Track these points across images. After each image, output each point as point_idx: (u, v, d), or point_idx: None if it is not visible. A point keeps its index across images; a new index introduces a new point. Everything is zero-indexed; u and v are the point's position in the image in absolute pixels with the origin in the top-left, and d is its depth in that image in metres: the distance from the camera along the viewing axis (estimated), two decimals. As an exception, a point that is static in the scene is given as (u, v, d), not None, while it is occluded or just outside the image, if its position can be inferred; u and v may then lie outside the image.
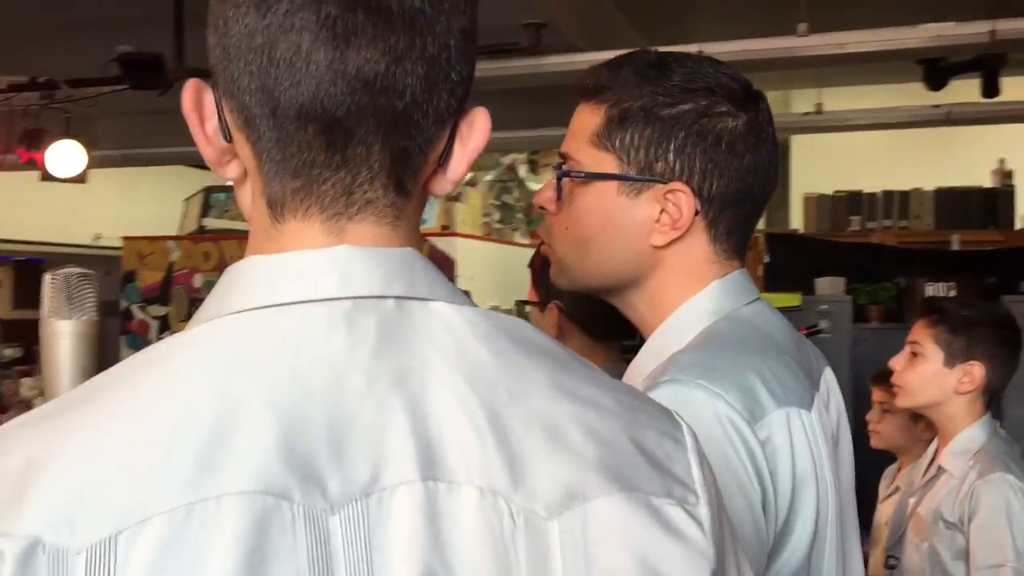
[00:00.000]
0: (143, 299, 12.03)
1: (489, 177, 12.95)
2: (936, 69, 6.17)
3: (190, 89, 0.63)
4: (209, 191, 12.31)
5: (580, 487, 0.52)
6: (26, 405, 7.82)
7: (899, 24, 4.34)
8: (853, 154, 7.19)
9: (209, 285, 12.09)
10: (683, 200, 1.04)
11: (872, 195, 6.62)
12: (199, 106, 0.63)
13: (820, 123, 6.02)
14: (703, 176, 1.04)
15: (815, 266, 6.46)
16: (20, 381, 10.53)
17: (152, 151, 7.32)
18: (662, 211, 1.05)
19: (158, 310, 12.04)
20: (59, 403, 0.56)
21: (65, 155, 5.05)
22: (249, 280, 0.58)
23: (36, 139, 5.11)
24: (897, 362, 2.25)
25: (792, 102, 7.56)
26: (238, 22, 0.58)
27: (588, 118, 1.08)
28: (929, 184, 6.50)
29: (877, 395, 2.68)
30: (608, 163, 1.07)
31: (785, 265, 6.72)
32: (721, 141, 1.04)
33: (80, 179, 5.20)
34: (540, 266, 1.95)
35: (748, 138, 1.05)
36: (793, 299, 6.46)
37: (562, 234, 1.13)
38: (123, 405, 0.53)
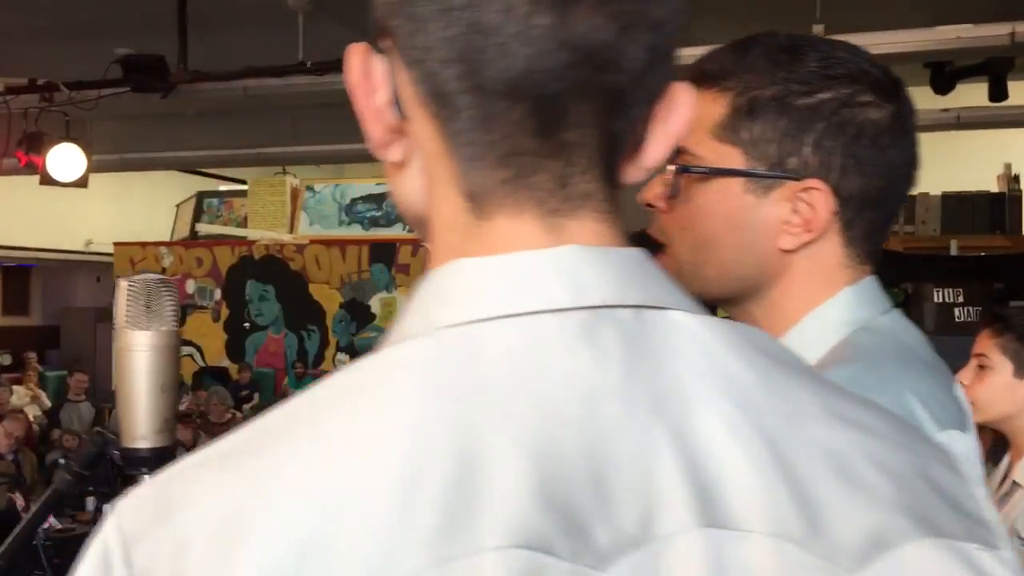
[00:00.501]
0: (135, 306, 11.99)
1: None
2: (943, 73, 6.15)
3: (358, 55, 0.54)
4: (202, 196, 12.22)
5: (883, 533, 0.44)
6: (17, 413, 7.70)
7: (916, 26, 4.30)
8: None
9: (202, 291, 12.02)
10: (819, 199, 0.95)
11: (878, 200, 6.57)
12: (368, 75, 0.54)
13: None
14: (842, 173, 0.95)
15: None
16: (11, 389, 10.42)
17: (149, 155, 7.21)
18: (793, 211, 0.96)
19: (150, 317, 11.99)
20: (245, 438, 0.47)
21: (66, 158, 4.96)
22: (462, 287, 0.49)
23: (35, 143, 5.01)
24: (964, 376, 2.15)
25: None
26: None
27: (708, 108, 0.99)
28: (935, 189, 6.47)
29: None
30: (733, 158, 0.98)
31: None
32: (864, 134, 0.95)
33: (81, 183, 5.09)
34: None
35: (893, 131, 0.96)
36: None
37: (679, 235, 1.04)
38: (335, 441, 0.44)
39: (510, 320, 0.47)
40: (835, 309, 0.97)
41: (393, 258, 10.66)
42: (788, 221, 0.95)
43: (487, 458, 0.42)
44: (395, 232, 10.71)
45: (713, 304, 1.07)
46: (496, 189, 0.51)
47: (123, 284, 0.94)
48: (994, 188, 6.51)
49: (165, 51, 4.89)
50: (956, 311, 6.16)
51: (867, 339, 0.94)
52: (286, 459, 0.44)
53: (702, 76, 0.99)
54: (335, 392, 0.47)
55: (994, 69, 6.02)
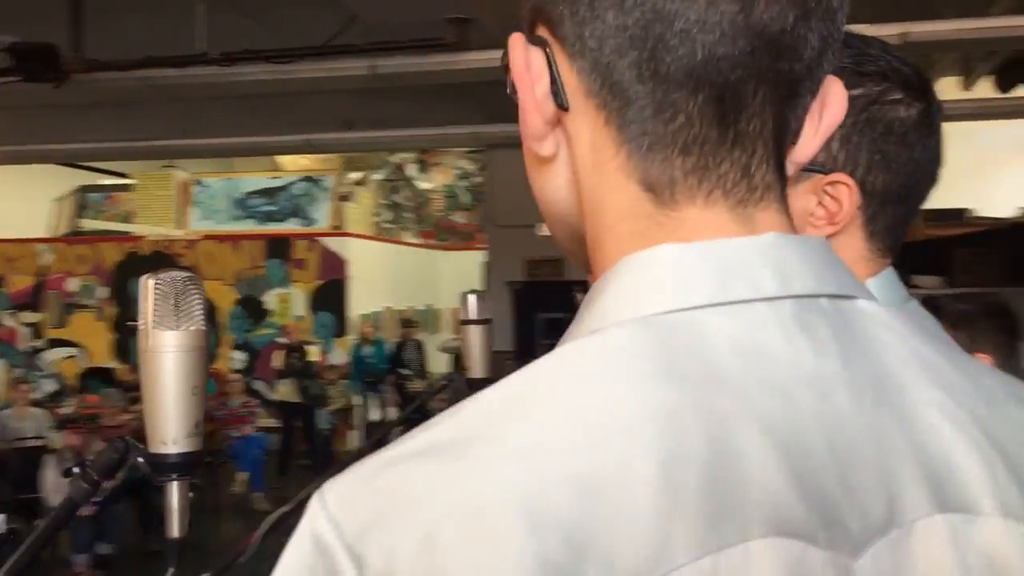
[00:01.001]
0: (12, 305, 11.36)
1: (378, 176, 12.78)
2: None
3: (519, 45, 0.53)
4: (84, 191, 11.71)
5: None
6: None
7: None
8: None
9: (86, 290, 11.53)
10: (844, 193, 0.98)
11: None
12: (528, 66, 0.53)
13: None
14: (868, 168, 0.98)
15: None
16: None
17: (34, 148, 6.86)
18: (819, 204, 0.99)
19: (29, 317, 11.40)
20: (465, 426, 0.45)
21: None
22: (668, 275, 0.49)
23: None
24: None
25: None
26: None
27: None
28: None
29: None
30: None
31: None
32: (892, 131, 0.98)
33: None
34: None
35: (920, 129, 1.00)
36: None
37: None
38: (576, 426, 0.43)
39: (724, 308, 0.47)
40: (877, 290, 1.00)
41: (288, 253, 10.45)
42: (813, 214, 0.98)
43: (739, 447, 0.43)
44: (290, 227, 10.51)
45: None
46: (681, 179, 0.51)
47: (150, 283, 0.90)
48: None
49: (60, 39, 4.67)
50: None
51: None
52: (530, 446, 0.43)
53: None
54: (554, 376, 0.46)
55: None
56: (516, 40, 0.53)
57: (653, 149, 0.51)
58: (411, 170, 11.93)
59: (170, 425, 0.90)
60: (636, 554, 0.40)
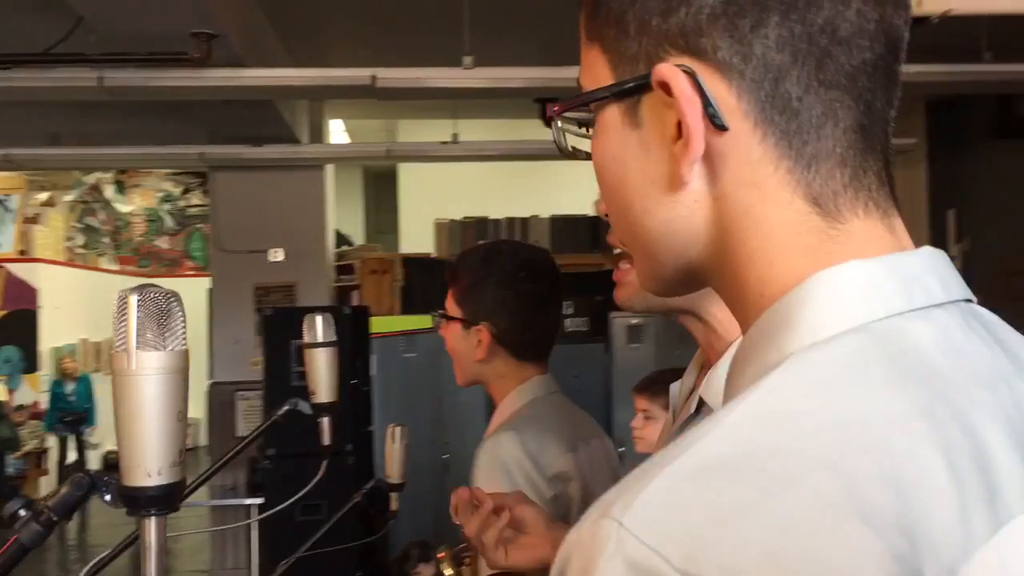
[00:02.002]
0: None
1: (69, 197, 11.73)
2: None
3: (680, 75, 0.54)
4: None
5: None
6: None
7: (558, 64, 4.74)
8: (472, 183, 7.64)
9: None
10: None
11: (497, 221, 7.10)
12: (681, 92, 0.55)
13: (456, 152, 6.34)
14: None
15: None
16: None
17: None
18: None
19: None
20: (734, 443, 0.47)
21: None
22: (865, 286, 0.52)
23: None
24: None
25: (410, 131, 7.86)
26: None
27: None
28: (545, 212, 7.13)
29: (640, 403, 2.91)
30: None
31: (420, 288, 6.98)
32: None
33: None
34: (469, 283, 1.85)
35: None
36: (431, 320, 6.74)
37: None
38: (861, 426, 0.46)
39: (917, 314, 0.52)
40: None
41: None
42: None
43: (983, 436, 0.48)
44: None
45: (669, 313, 1.16)
46: (841, 191, 0.54)
47: (132, 299, 0.81)
48: (591, 212, 7.32)
49: None
50: (568, 322, 6.86)
51: None
52: (825, 453, 0.45)
53: None
54: (801, 387, 0.49)
55: (594, 107, 6.80)
56: (674, 72, 0.55)
57: (815, 162, 0.54)
58: (109, 191, 11.09)
59: (155, 454, 0.81)
60: (950, 538, 0.44)
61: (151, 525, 0.84)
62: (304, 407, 1.87)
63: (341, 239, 7.83)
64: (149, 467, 0.82)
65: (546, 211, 7.15)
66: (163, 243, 11.25)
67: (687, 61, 0.55)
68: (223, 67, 4.41)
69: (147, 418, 0.82)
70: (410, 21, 5.44)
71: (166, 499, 0.83)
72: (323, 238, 6.87)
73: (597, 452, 1.84)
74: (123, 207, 11.19)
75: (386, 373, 6.31)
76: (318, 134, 7.00)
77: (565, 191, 7.47)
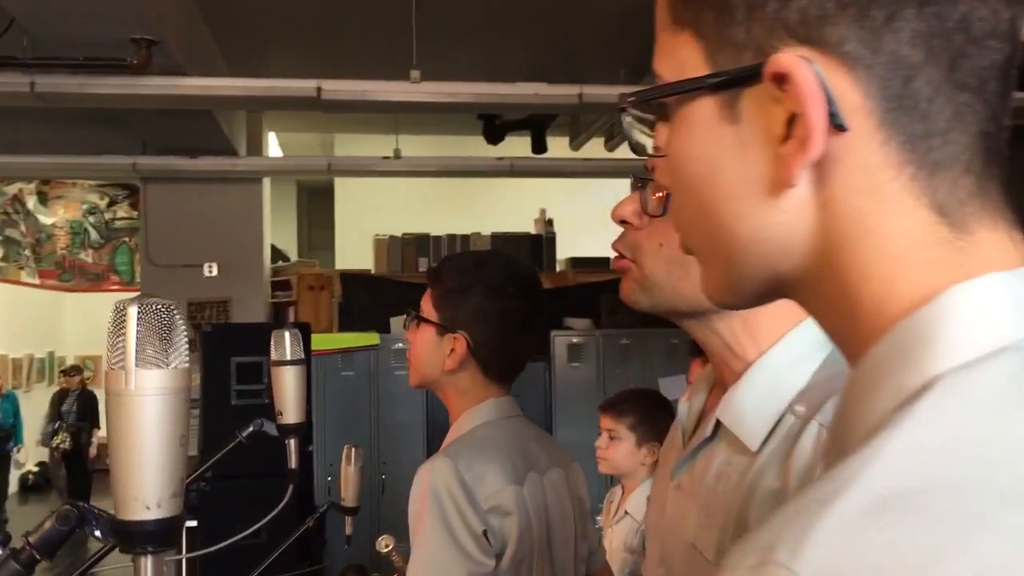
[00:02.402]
0: None
1: (-13, 208, 11.26)
2: (494, 125, 6.79)
3: (804, 66, 0.50)
4: None
5: None
6: None
7: (504, 80, 4.71)
8: (412, 199, 7.56)
9: None
10: None
11: (438, 238, 7.02)
12: (808, 86, 0.49)
13: (398, 167, 6.25)
14: None
15: (388, 305, 6.68)
16: None
17: None
18: None
19: None
20: (907, 478, 0.42)
21: None
22: (1011, 303, 0.48)
23: None
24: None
25: (346, 146, 7.75)
26: None
27: None
28: (487, 229, 7.08)
29: (606, 422, 2.85)
30: None
31: (359, 304, 6.85)
32: None
33: None
34: (453, 287, 1.75)
35: None
36: (371, 338, 6.61)
37: (655, 251, 1.06)
38: None
39: None
40: (815, 329, 1.07)
41: None
42: None
43: None
44: None
45: (676, 318, 1.11)
46: (967, 200, 0.51)
47: (131, 311, 0.72)
48: (533, 230, 7.29)
49: None
50: (509, 340, 6.81)
51: (843, 359, 1.06)
52: (1013, 486, 0.41)
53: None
54: (959, 412, 0.45)
55: (536, 125, 6.79)
56: (799, 63, 0.50)
57: (940, 169, 0.50)
58: (31, 202, 10.70)
59: (156, 484, 0.73)
60: None
61: (147, 564, 0.75)
62: (270, 428, 1.78)
63: (277, 254, 7.67)
64: (148, 499, 0.73)
65: (487, 228, 7.10)
66: (87, 256, 10.89)
67: (806, 52, 0.51)
68: (163, 75, 4.27)
69: (147, 444, 0.73)
70: (353, 34, 5.36)
71: (165, 535, 0.74)
72: (260, 253, 6.71)
73: (554, 483, 1.74)
74: (45, 219, 10.81)
75: (324, 392, 6.17)
76: (255, 147, 6.84)
77: (506, 208, 7.44)
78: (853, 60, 0.50)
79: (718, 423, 1.06)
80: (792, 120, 0.51)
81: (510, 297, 1.72)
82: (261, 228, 6.68)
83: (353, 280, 6.85)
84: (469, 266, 1.74)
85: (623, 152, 6.82)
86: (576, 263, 7.22)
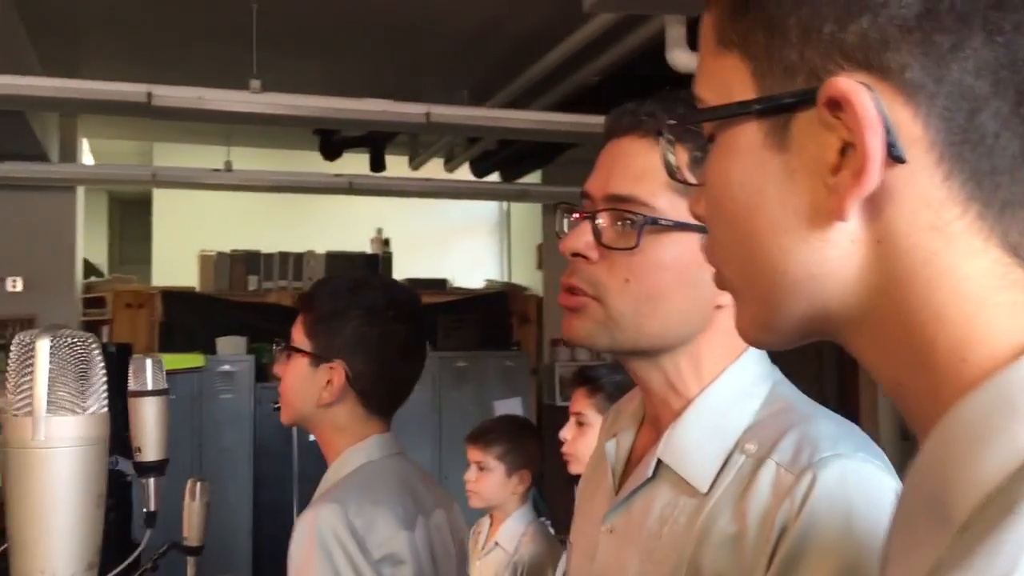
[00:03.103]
0: None
1: None
2: (331, 141, 6.61)
3: (863, 92, 0.46)
4: None
5: None
6: None
7: (348, 96, 4.58)
8: (239, 213, 7.25)
9: None
10: None
11: (269, 255, 6.76)
12: (866, 113, 0.46)
13: (229, 180, 5.98)
14: None
15: (213, 325, 6.35)
16: None
17: None
18: None
19: None
20: None
21: None
22: None
23: None
24: (566, 433, 2.36)
25: (165, 156, 7.36)
26: None
27: (657, 159, 0.99)
28: (321, 247, 6.88)
29: (472, 455, 2.74)
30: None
31: (182, 324, 6.48)
32: None
33: None
34: (327, 313, 1.60)
35: None
36: (196, 360, 6.24)
37: (620, 288, 0.98)
38: None
39: None
40: (755, 362, 1.03)
41: None
42: None
43: None
44: None
45: (637, 355, 1.04)
46: None
47: (41, 345, 0.59)
48: (369, 249, 7.15)
49: None
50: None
51: (790, 392, 1.03)
52: None
53: (648, 128, 1.00)
54: None
55: (375, 142, 6.66)
56: (858, 90, 0.47)
57: (1009, 208, 0.48)
58: None
59: (68, 554, 0.59)
60: None
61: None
62: (124, 466, 1.60)
63: (90, 269, 7.16)
64: (59, 573, 0.60)
65: (321, 246, 6.89)
66: None
67: (864, 78, 0.47)
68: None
69: (59, 505, 0.60)
70: (187, 40, 5.08)
71: (77, 615, 0.61)
72: (71, 267, 6.23)
73: (439, 527, 1.64)
74: None
75: (143, 416, 5.79)
76: (68, 153, 6.37)
77: (341, 226, 7.26)
78: (915, 89, 0.47)
79: (659, 463, 1.01)
80: (845, 149, 0.48)
81: (391, 321, 1.60)
82: (73, 240, 6.21)
83: (176, 298, 6.48)
84: (344, 290, 1.62)
85: (463, 173, 6.80)
86: (413, 284, 7.13)
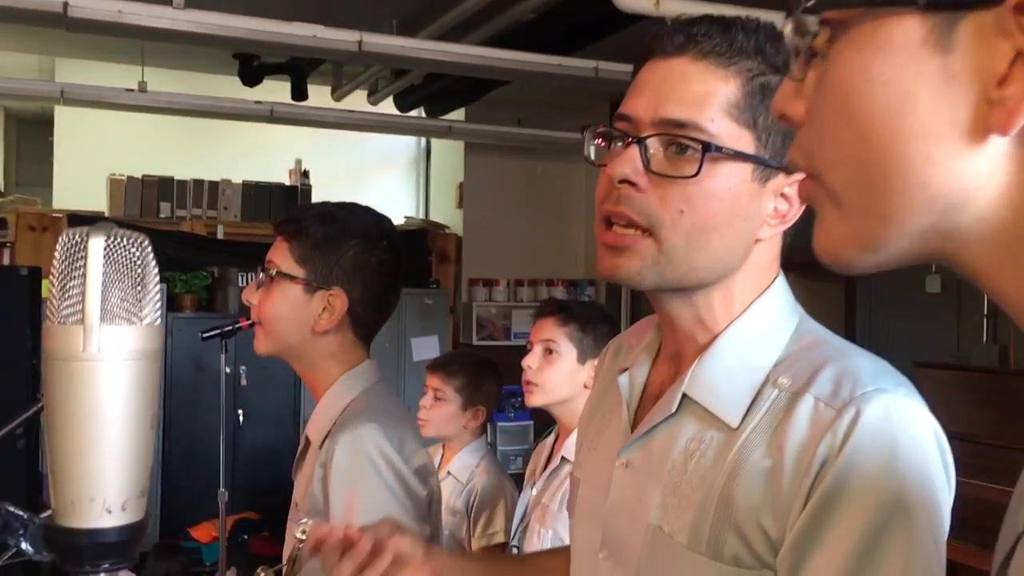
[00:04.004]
0: None
1: None
2: (252, 66, 6.35)
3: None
4: None
5: None
6: None
7: (276, 19, 4.38)
8: (151, 138, 6.94)
9: None
10: (796, 192, 0.98)
11: (183, 182, 6.51)
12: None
13: (143, 102, 5.70)
14: None
15: (122, 252, 6.11)
16: None
17: None
18: (776, 204, 0.98)
19: None
20: None
21: None
22: None
23: None
24: (532, 360, 2.27)
25: (68, 72, 6.98)
26: None
27: (716, 84, 0.93)
28: (237, 177, 6.66)
29: (432, 382, 2.70)
30: (746, 142, 0.93)
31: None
32: None
33: None
34: (322, 239, 1.56)
35: None
36: (103, 287, 6.01)
37: (674, 220, 0.93)
38: None
39: None
40: (781, 296, 1.01)
41: None
42: (771, 213, 0.97)
43: None
44: None
45: (679, 290, 0.99)
46: None
47: (94, 244, 0.51)
48: (287, 180, 6.94)
49: None
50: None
51: (817, 327, 1.01)
52: None
53: (706, 50, 0.95)
54: None
55: (298, 69, 6.42)
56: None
57: None
58: None
59: (121, 481, 0.53)
60: None
61: (102, 587, 0.55)
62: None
63: (-12, 189, 6.79)
64: (110, 500, 0.54)
65: (238, 175, 6.67)
66: None
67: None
68: None
69: (112, 427, 0.53)
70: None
71: (126, 548, 0.55)
72: (-32, 186, 5.89)
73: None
74: None
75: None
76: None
77: (258, 155, 7.02)
78: None
79: (684, 397, 0.98)
80: (1016, 60, 0.45)
81: (384, 250, 1.61)
82: (-28, 158, 5.86)
83: (84, 223, 6.12)
84: (339, 215, 1.60)
85: (387, 107, 6.63)
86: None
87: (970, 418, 3.99)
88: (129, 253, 0.54)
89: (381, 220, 1.66)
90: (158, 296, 0.56)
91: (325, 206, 1.65)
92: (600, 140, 1.02)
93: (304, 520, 1.05)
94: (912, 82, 0.48)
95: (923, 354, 4.52)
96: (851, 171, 0.51)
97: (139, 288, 0.54)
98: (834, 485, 0.83)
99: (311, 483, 1.47)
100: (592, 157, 1.01)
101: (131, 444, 0.54)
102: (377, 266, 1.59)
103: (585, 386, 2.21)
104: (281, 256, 1.59)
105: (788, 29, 0.54)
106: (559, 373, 2.25)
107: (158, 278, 0.57)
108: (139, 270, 0.55)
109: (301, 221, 1.59)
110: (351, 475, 1.42)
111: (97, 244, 0.53)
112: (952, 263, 0.52)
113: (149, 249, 0.56)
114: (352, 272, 1.57)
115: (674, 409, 0.98)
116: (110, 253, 0.54)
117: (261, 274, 1.61)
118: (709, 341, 1.00)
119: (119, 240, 0.54)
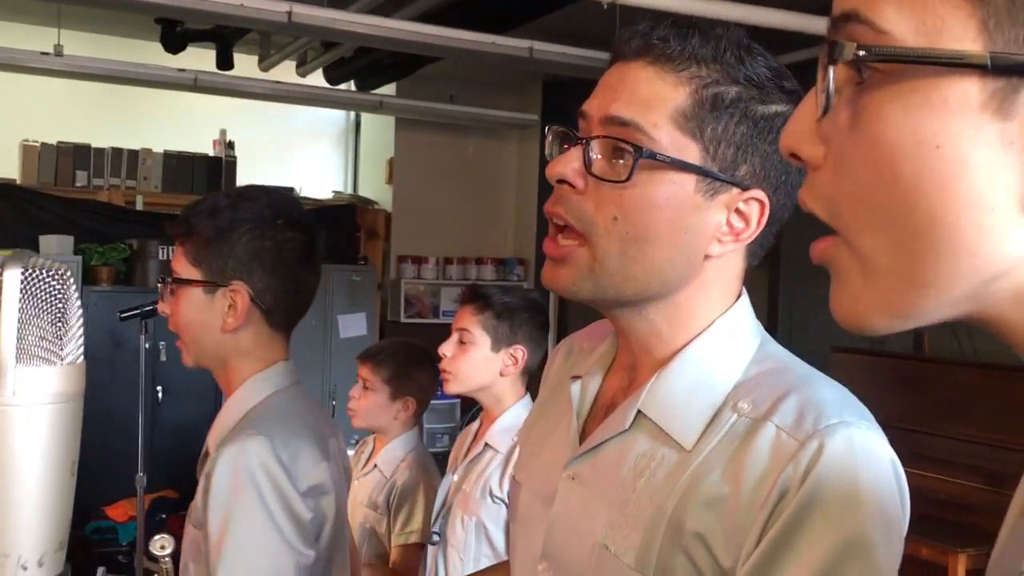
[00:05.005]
0: None
1: None
2: (175, 33, 6.15)
3: None
4: None
5: None
6: None
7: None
8: (67, 103, 6.67)
9: None
10: (755, 210, 0.95)
11: (101, 150, 6.28)
12: None
13: (58, 66, 5.48)
14: (775, 188, 0.97)
15: (36, 221, 5.89)
16: None
17: None
18: (729, 220, 0.95)
19: None
20: None
21: None
22: None
23: None
24: (447, 349, 2.29)
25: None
26: None
27: (664, 90, 0.90)
28: (159, 146, 6.46)
29: (362, 372, 2.63)
30: (691, 151, 0.91)
31: (1, 219, 5.96)
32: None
33: None
34: (211, 235, 1.47)
35: None
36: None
37: (608, 227, 0.91)
38: None
39: None
40: (743, 317, 0.99)
41: None
42: (722, 229, 0.95)
43: None
44: None
45: (614, 305, 0.97)
46: None
47: (10, 277, 0.46)
48: (211, 151, 6.76)
49: None
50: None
51: (779, 351, 0.99)
52: None
53: (658, 54, 0.92)
54: None
55: (223, 37, 6.24)
56: None
57: None
58: None
59: (38, 534, 0.48)
60: None
61: (13, 647, 0.50)
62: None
63: None
64: (25, 556, 0.49)
65: (159, 145, 6.46)
66: None
67: None
68: None
69: (27, 478, 0.48)
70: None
71: (43, 603, 0.50)
72: None
73: (338, 453, 1.62)
74: None
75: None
76: None
77: (181, 125, 6.81)
78: None
79: (638, 413, 0.96)
80: None
81: (282, 230, 1.52)
82: None
83: (-6, 190, 5.94)
84: (225, 205, 1.51)
85: (315, 79, 6.48)
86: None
87: (886, 402, 4.10)
88: (48, 286, 0.49)
89: (279, 200, 1.56)
90: (81, 331, 0.52)
91: (215, 199, 1.54)
92: (563, 142, 0.99)
93: (160, 536, 1.02)
94: (968, 148, 0.45)
95: (842, 339, 4.61)
96: (891, 236, 0.48)
97: (60, 324, 0.50)
98: (794, 517, 0.82)
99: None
100: (549, 156, 0.99)
101: (49, 495, 0.50)
102: (275, 249, 1.50)
103: (501, 374, 2.26)
104: (178, 261, 1.52)
105: (828, 78, 0.49)
106: (471, 362, 2.26)
107: (81, 311, 0.52)
108: (60, 304, 0.50)
109: (189, 220, 1.51)
110: (230, 492, 1.34)
111: (13, 277, 0.48)
112: (974, 321, 0.50)
113: (71, 281, 0.51)
114: (247, 261, 1.48)
115: (627, 425, 0.96)
116: (27, 287, 0.49)
117: (166, 285, 1.54)
118: (667, 357, 0.97)
119: (37, 273, 0.49)
